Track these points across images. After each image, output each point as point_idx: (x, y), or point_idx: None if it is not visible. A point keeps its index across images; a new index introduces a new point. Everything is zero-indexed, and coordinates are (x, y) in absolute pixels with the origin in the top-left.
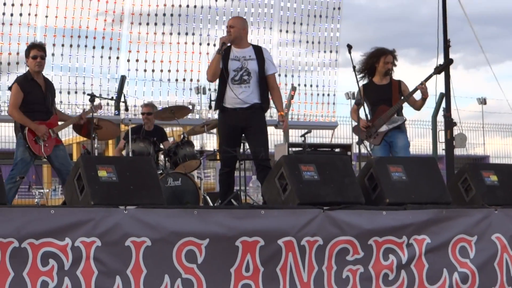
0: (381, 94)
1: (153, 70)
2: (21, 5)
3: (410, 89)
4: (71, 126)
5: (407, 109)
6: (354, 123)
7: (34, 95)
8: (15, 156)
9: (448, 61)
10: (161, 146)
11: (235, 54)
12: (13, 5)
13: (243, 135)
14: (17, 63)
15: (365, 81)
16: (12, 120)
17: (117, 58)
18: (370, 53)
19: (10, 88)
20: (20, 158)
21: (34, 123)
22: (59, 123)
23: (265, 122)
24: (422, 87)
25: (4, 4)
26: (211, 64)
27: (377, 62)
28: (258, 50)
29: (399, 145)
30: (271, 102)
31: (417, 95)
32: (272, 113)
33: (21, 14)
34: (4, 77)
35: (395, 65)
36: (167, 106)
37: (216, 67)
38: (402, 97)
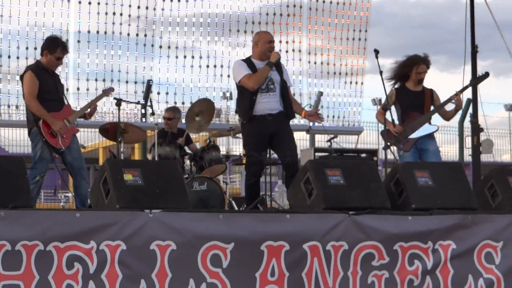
0: (414, 100)
1: (183, 77)
2: (53, 12)
3: (441, 100)
4: (97, 130)
5: (434, 117)
6: (381, 127)
7: (47, 84)
8: (33, 154)
9: (485, 75)
10: (187, 149)
11: (258, 66)
12: (45, 12)
13: (270, 143)
14: None
15: (397, 86)
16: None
17: (145, 63)
18: (402, 62)
19: (21, 77)
20: (39, 156)
21: (51, 117)
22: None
23: (291, 129)
24: (457, 97)
25: (36, 11)
26: (261, 75)
27: (409, 71)
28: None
29: (431, 149)
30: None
31: (448, 106)
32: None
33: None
34: None
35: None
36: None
37: (264, 78)
38: (433, 108)
